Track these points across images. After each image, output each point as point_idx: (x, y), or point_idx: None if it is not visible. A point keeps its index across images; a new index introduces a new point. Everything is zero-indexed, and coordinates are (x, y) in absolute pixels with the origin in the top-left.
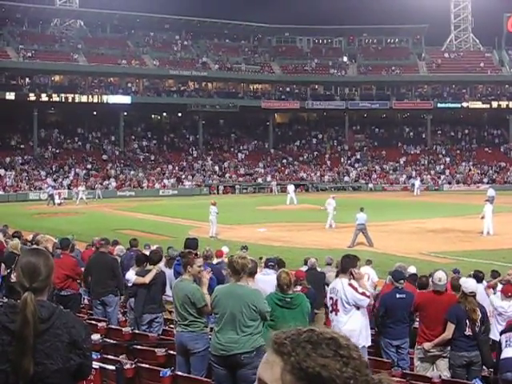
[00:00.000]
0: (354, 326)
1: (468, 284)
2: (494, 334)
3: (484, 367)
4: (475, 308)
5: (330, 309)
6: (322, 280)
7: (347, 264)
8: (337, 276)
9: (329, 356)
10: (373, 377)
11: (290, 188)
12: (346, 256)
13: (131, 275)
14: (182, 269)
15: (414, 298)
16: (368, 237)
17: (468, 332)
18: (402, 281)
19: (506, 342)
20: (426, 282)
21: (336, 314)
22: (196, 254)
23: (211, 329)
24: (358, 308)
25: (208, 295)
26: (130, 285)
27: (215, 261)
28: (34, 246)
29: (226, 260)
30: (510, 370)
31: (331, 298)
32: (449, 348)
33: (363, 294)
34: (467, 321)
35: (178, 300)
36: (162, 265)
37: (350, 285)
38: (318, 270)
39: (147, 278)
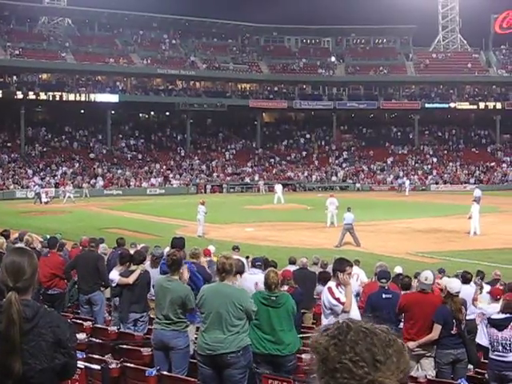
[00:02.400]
0: None
1: (453, 284)
2: (481, 339)
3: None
4: (461, 307)
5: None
6: (313, 279)
7: (334, 267)
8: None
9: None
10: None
11: (278, 187)
12: (336, 259)
13: (115, 275)
14: (171, 270)
15: (400, 299)
16: (355, 237)
17: (454, 331)
18: (384, 280)
19: (492, 344)
20: (409, 282)
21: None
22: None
23: (197, 328)
24: (337, 315)
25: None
26: (113, 285)
27: (206, 259)
28: (19, 245)
29: (214, 259)
30: (495, 369)
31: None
32: (432, 347)
33: (338, 299)
34: (454, 320)
35: (165, 299)
36: (147, 264)
37: (329, 288)
38: (309, 269)
39: (131, 279)
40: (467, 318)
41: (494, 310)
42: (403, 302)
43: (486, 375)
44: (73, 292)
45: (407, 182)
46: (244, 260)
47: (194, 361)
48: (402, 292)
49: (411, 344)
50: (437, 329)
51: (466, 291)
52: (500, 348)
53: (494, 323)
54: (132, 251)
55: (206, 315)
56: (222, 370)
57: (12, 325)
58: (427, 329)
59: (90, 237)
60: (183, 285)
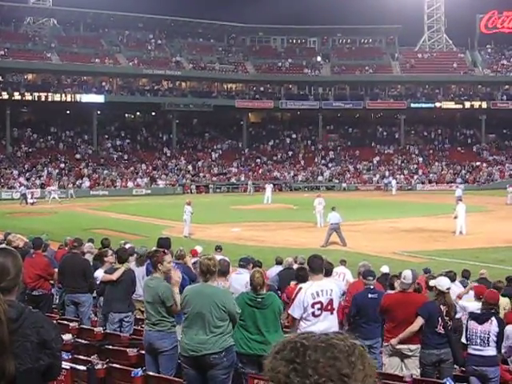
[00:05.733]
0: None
1: (442, 282)
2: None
3: (456, 365)
4: (453, 303)
5: (319, 313)
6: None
7: (322, 264)
8: (302, 278)
9: None
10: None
11: (268, 188)
12: (316, 257)
13: (100, 273)
14: (152, 268)
15: (382, 300)
16: (341, 236)
17: (439, 330)
18: (370, 277)
19: (470, 338)
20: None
21: (332, 313)
22: (164, 252)
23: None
24: None
25: (179, 294)
26: (97, 282)
27: (192, 260)
28: (2, 246)
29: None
30: (472, 364)
31: (319, 302)
32: (416, 346)
33: None
34: (439, 318)
35: (148, 298)
36: (132, 264)
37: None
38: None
39: (114, 275)
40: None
41: (475, 307)
42: (386, 303)
43: (467, 371)
44: (64, 298)
45: (394, 182)
46: (228, 260)
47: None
48: (387, 292)
49: (393, 341)
50: (418, 321)
51: (452, 290)
52: (478, 341)
53: (474, 316)
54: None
55: (188, 316)
56: (205, 370)
57: (0, 325)
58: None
59: (75, 237)
60: (163, 282)
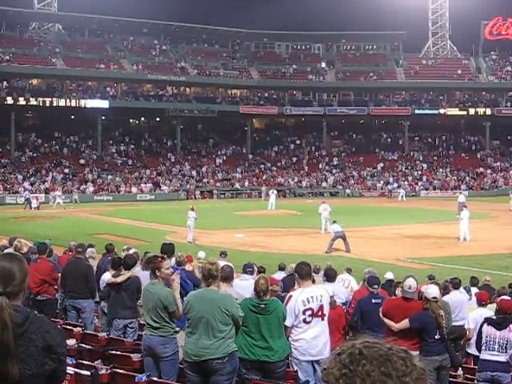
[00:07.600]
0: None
1: (430, 290)
2: (470, 347)
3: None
4: (439, 312)
5: (310, 319)
6: None
7: (309, 270)
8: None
9: None
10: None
11: (273, 194)
12: (304, 263)
13: (107, 276)
14: (152, 274)
15: (383, 304)
16: (347, 243)
17: (437, 336)
18: (376, 286)
19: (487, 343)
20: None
21: (322, 319)
22: (162, 258)
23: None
24: None
25: (179, 299)
26: (104, 285)
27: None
28: (8, 251)
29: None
30: (487, 370)
31: (310, 309)
32: (415, 354)
33: None
34: (436, 326)
35: (150, 304)
36: (138, 268)
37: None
38: None
39: (119, 279)
40: (457, 323)
41: (478, 314)
42: (385, 307)
43: (477, 377)
44: (65, 303)
45: (402, 191)
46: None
47: (183, 366)
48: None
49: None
50: (403, 323)
51: (456, 297)
52: (496, 347)
53: (492, 322)
54: (124, 254)
55: (192, 321)
56: (208, 376)
57: (5, 329)
58: (407, 335)
59: (78, 242)
60: (164, 287)
